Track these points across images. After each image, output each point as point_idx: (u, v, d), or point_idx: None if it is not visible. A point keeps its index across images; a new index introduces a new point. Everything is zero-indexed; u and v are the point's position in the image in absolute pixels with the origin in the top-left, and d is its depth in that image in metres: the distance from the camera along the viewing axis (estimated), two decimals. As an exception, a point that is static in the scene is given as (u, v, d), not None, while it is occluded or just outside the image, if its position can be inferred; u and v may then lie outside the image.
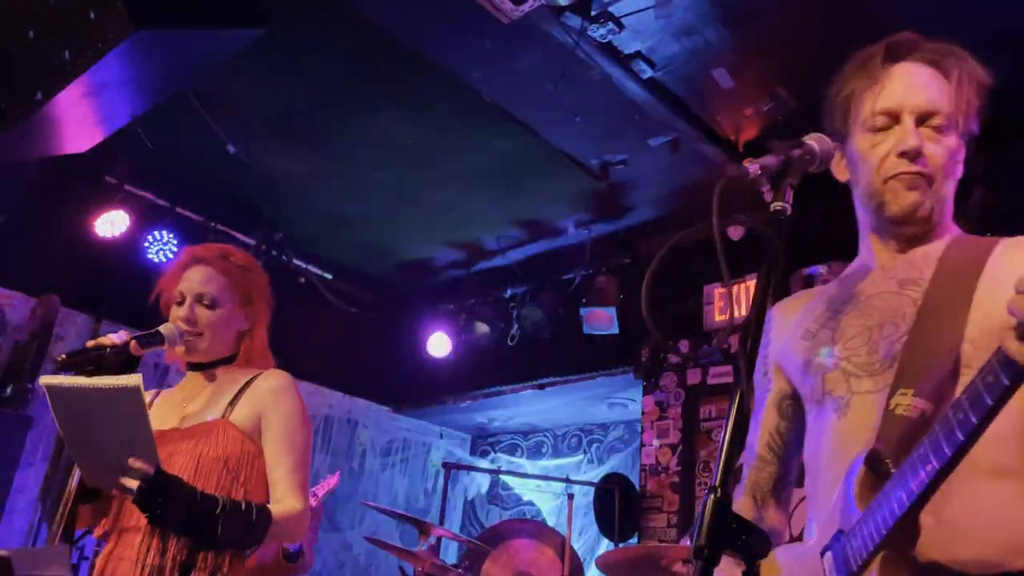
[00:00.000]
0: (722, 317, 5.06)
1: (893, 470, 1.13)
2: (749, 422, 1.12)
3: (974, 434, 1.00)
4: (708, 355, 4.84)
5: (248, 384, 2.01)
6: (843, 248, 5.07)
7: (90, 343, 1.82)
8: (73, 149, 3.98)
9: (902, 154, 1.34)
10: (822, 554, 1.24)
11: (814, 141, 1.34)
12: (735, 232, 4.39)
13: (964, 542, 1.16)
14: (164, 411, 2.02)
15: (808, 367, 1.41)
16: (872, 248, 1.45)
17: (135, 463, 1.70)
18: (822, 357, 1.39)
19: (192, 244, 2.26)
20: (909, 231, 1.39)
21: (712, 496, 1.06)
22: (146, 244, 5.14)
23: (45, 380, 1.69)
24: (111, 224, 4.98)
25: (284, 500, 1.88)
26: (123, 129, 3.95)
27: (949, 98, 1.37)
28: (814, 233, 4.69)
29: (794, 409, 1.50)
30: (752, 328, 1.19)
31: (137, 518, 1.81)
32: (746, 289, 4.99)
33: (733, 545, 1.06)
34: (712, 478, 1.08)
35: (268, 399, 1.97)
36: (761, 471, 1.51)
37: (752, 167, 1.29)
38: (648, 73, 3.98)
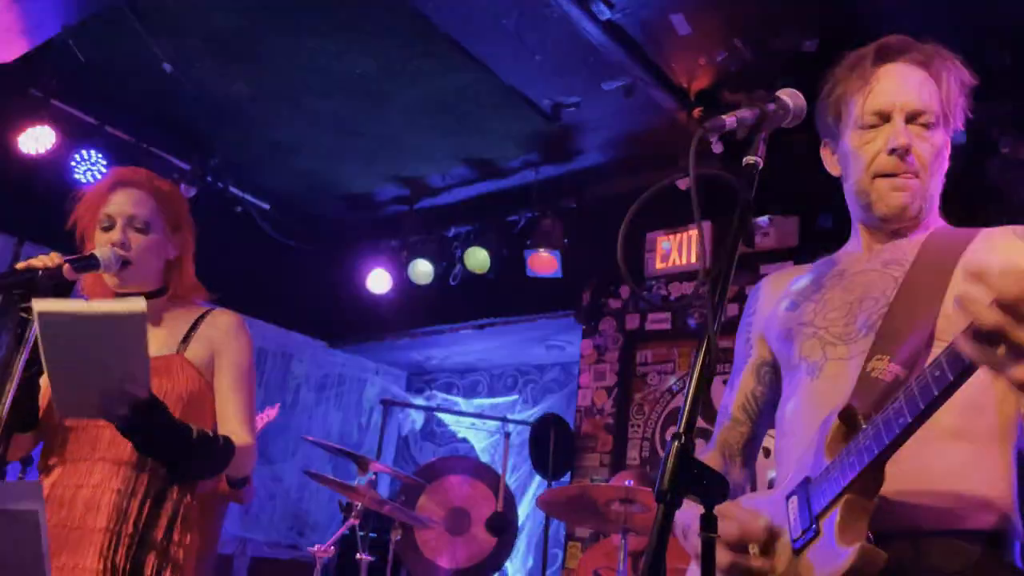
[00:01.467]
0: (663, 264, 5.13)
1: (865, 424, 1.19)
2: (713, 371, 1.14)
3: (947, 392, 1.06)
4: (652, 303, 4.91)
5: (199, 321, 1.98)
6: (785, 200, 5.16)
7: (20, 265, 1.71)
8: (-4, 58, 3.74)
9: (892, 151, 1.39)
10: (787, 499, 1.30)
11: (788, 96, 1.36)
12: (684, 182, 4.42)
13: (915, 495, 1.24)
14: None
15: (788, 335, 1.48)
16: (861, 236, 1.53)
17: (131, 387, 1.65)
18: (801, 327, 1.46)
19: (122, 164, 2.16)
20: (896, 226, 1.46)
21: (676, 443, 1.09)
22: (73, 163, 4.90)
23: (38, 306, 1.57)
24: (36, 140, 4.72)
25: (237, 434, 1.87)
26: (52, 40, 3.72)
27: (937, 98, 1.43)
28: (758, 186, 4.77)
29: (771, 377, 1.57)
30: (723, 277, 1.21)
31: (91, 449, 1.78)
32: (689, 238, 5.06)
33: (694, 490, 1.10)
34: (677, 425, 1.11)
35: (222, 337, 1.96)
36: (733, 430, 1.57)
37: (729, 120, 1.31)
38: (606, 15, 3.92)
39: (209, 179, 5.57)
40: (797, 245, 4.66)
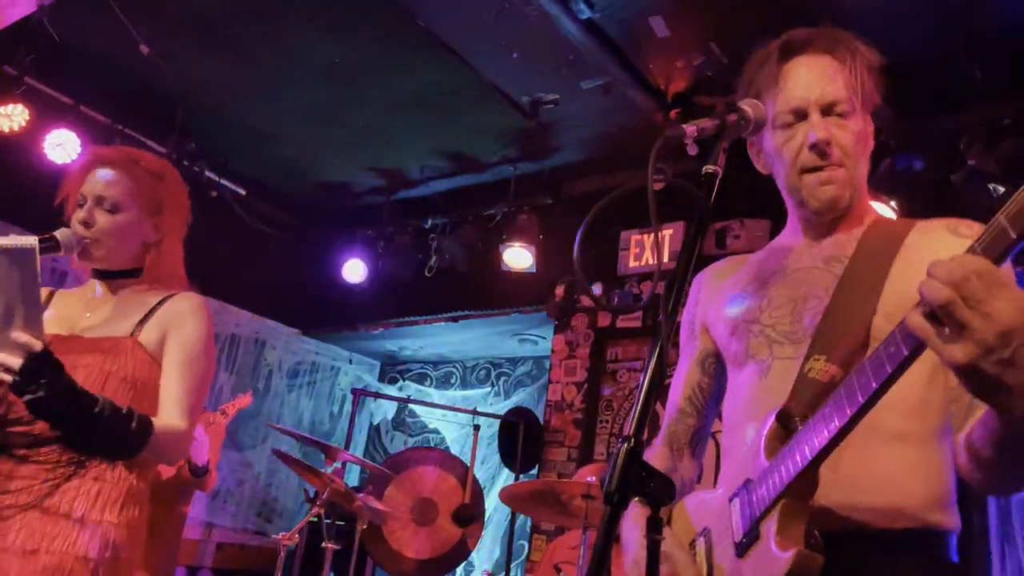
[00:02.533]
0: (636, 263, 5.18)
1: (800, 427, 1.21)
2: (668, 374, 1.17)
3: (873, 398, 1.08)
4: (624, 301, 4.96)
5: (159, 305, 1.92)
6: (755, 206, 5.23)
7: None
8: (-30, 34, 3.70)
9: (812, 146, 1.40)
10: (730, 500, 1.33)
11: (749, 107, 1.37)
12: (656, 184, 4.46)
13: (858, 495, 1.26)
14: (63, 314, 1.91)
15: (734, 332, 1.49)
16: (800, 227, 1.54)
17: (20, 337, 1.58)
18: (748, 324, 1.47)
19: (97, 146, 2.12)
20: (830, 217, 1.47)
21: (625, 445, 1.10)
22: (46, 143, 4.84)
23: None
24: (8, 118, 4.66)
25: (169, 417, 1.80)
26: (29, 18, 3.67)
27: (846, 83, 1.43)
28: (729, 189, 4.82)
29: (716, 368, 1.59)
30: (678, 282, 1.23)
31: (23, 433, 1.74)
32: (663, 237, 5.11)
33: (641, 492, 1.12)
34: (627, 427, 1.13)
35: (174, 320, 1.89)
36: (680, 423, 1.59)
37: (690, 128, 1.32)
38: (586, 14, 3.94)
39: (185, 163, 5.52)
40: (768, 248, 4.72)
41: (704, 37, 4.08)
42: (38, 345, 1.60)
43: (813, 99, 1.42)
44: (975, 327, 0.91)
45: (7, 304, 1.60)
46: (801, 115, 1.43)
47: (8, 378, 1.60)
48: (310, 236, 6.68)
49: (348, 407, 7.27)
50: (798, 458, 1.17)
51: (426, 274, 5.93)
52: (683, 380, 1.61)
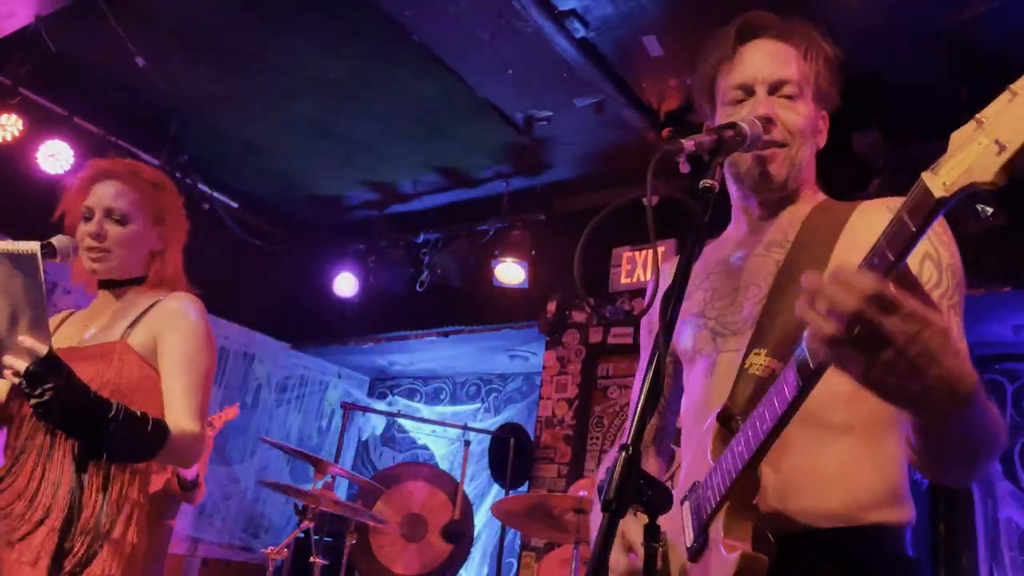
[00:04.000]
0: (628, 280, 5.20)
1: (740, 426, 1.21)
2: (662, 386, 1.18)
3: (802, 393, 1.07)
4: (616, 314, 4.97)
5: (151, 307, 1.93)
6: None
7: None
8: (-35, 44, 3.70)
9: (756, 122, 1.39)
10: (681, 503, 1.33)
11: (746, 124, 1.39)
12: (654, 198, 4.50)
13: (806, 493, 1.25)
14: (70, 330, 1.94)
15: (682, 327, 1.49)
16: (742, 215, 1.54)
17: (25, 341, 1.59)
18: (693, 318, 1.47)
19: (88, 158, 2.15)
20: (767, 196, 1.47)
21: (624, 454, 1.11)
22: (39, 153, 4.84)
23: None
24: (3, 128, 4.66)
25: (177, 420, 1.80)
26: (25, 29, 3.69)
27: (798, 68, 1.45)
28: (727, 204, 4.86)
29: (674, 366, 1.59)
30: (675, 297, 1.25)
31: (30, 440, 1.74)
32: (652, 255, 5.13)
33: (639, 500, 1.13)
34: (624, 436, 1.14)
35: (166, 320, 1.89)
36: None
37: (688, 143, 1.34)
38: (581, 32, 3.99)
39: (178, 175, 5.52)
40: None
41: (697, 55, 4.12)
42: (43, 349, 1.61)
43: (761, 77, 1.44)
44: (873, 350, 0.91)
45: (12, 308, 1.61)
46: (748, 91, 1.44)
47: (16, 380, 1.61)
48: (301, 249, 6.67)
49: (337, 422, 7.24)
50: (737, 460, 1.17)
51: (417, 289, 5.93)
52: (640, 381, 1.63)
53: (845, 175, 4.38)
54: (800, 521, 1.25)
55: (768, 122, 1.39)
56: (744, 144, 1.40)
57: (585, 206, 5.45)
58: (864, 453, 1.28)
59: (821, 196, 1.50)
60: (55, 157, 4.83)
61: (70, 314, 2.05)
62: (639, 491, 1.13)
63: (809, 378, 1.05)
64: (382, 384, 7.79)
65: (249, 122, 5.30)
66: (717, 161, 1.37)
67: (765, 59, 1.45)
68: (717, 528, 1.22)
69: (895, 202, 1.32)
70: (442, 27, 4.09)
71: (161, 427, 1.76)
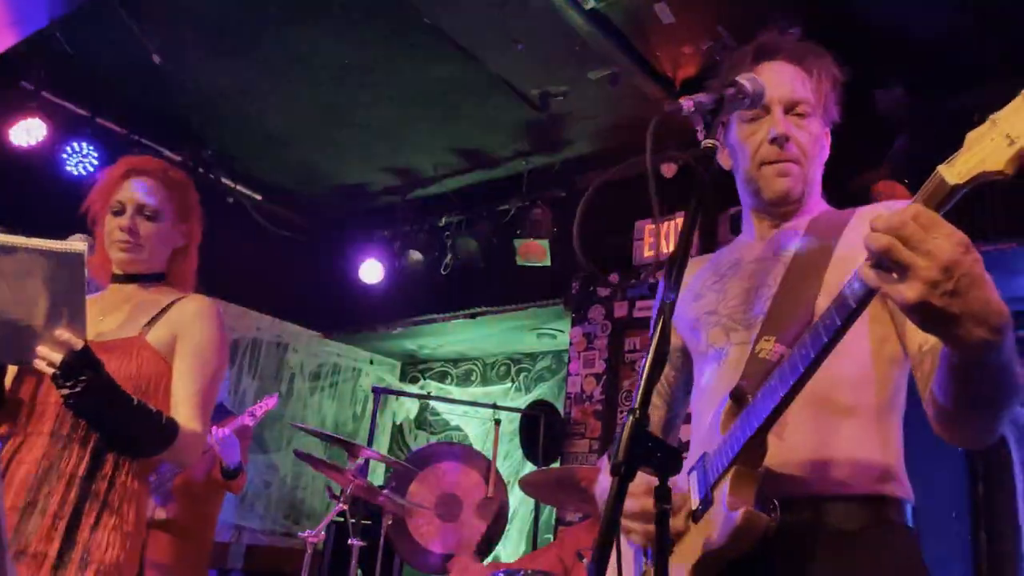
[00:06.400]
0: (651, 252, 5.17)
1: (752, 400, 1.30)
2: (667, 352, 1.20)
3: (813, 365, 1.17)
4: (635, 287, 4.95)
5: (170, 306, 1.98)
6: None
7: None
8: (-15, 51, 3.77)
9: (773, 140, 1.50)
10: (688, 474, 1.42)
11: (746, 80, 1.38)
12: (668, 169, 4.46)
13: (812, 465, 1.34)
14: None
15: (695, 325, 1.59)
16: (753, 224, 1.64)
17: (63, 334, 1.65)
18: (707, 316, 1.57)
19: (114, 157, 2.19)
20: (783, 210, 1.57)
21: (631, 417, 1.13)
22: (64, 155, 4.93)
23: None
24: (27, 132, 4.75)
25: (183, 419, 1.85)
26: (42, 32, 3.74)
27: (811, 90, 1.55)
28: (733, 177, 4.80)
29: (682, 361, 1.69)
30: (679, 262, 1.24)
31: (46, 423, 1.79)
32: (676, 226, 5.10)
33: (648, 462, 1.14)
34: (632, 401, 1.15)
35: (186, 321, 1.95)
36: (652, 413, 1.64)
37: (687, 103, 1.33)
38: (591, 3, 3.94)
39: (201, 170, 5.60)
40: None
41: (710, 21, 4.07)
42: (79, 343, 1.67)
43: (778, 97, 1.52)
44: (918, 266, 0.97)
45: (54, 303, 1.67)
46: (765, 110, 1.53)
47: (50, 371, 1.66)
48: (327, 238, 6.73)
49: (371, 407, 7.32)
50: (747, 428, 1.26)
51: (442, 272, 5.95)
52: None
53: (867, 135, 4.31)
54: (805, 489, 1.33)
55: (785, 140, 1.50)
56: (746, 102, 1.39)
57: (607, 180, 5.41)
58: (869, 434, 1.36)
59: (824, 206, 1.61)
60: (80, 158, 4.91)
61: None
62: (648, 453, 1.14)
63: (848, 317, 1.10)
64: (413, 368, 7.85)
65: (268, 114, 5.33)
66: (719, 120, 1.36)
67: (782, 80, 1.54)
68: (722, 489, 1.29)
69: (893, 203, 1.40)
70: (452, 7, 4.07)
71: (172, 424, 1.82)
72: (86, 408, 1.72)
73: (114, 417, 1.74)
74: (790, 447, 1.33)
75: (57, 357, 1.65)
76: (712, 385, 1.50)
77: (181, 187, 2.07)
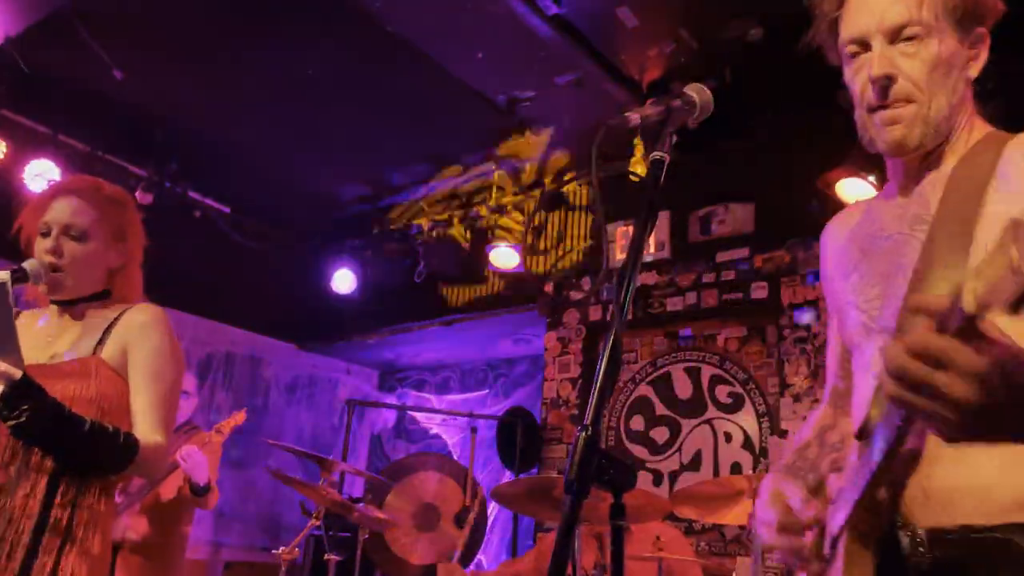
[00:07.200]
0: (623, 255, 5.17)
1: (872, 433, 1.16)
2: (619, 366, 1.17)
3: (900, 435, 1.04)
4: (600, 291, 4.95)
5: (117, 319, 1.93)
6: (740, 190, 5.19)
7: None
8: (-62, 71, 3.70)
9: (873, 82, 1.26)
10: (833, 504, 1.29)
11: (694, 92, 1.36)
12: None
13: (967, 496, 1.16)
14: (28, 343, 1.91)
15: (841, 313, 1.42)
16: (892, 175, 1.39)
17: (3, 365, 1.63)
18: (848, 306, 1.39)
19: (77, 174, 2.15)
20: (909, 160, 1.33)
21: (583, 434, 1.11)
22: (26, 173, 4.84)
23: None
24: (-13, 152, 4.67)
25: (145, 432, 1.82)
26: (-3, 50, 3.67)
27: (919, 3, 1.25)
28: (712, 175, 4.82)
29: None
30: (628, 273, 1.23)
31: (8, 455, 1.75)
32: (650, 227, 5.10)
33: (600, 479, 1.13)
34: (585, 417, 1.13)
35: (134, 332, 1.90)
36: (839, 385, 1.52)
37: (633, 116, 1.32)
38: (553, 9, 3.94)
39: (167, 184, 5.53)
40: (753, 231, 4.72)
41: (673, 24, 4.08)
42: (17, 373, 1.64)
43: (874, 27, 1.26)
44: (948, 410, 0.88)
45: None
46: (865, 44, 1.28)
47: None
48: (298, 249, 6.68)
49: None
50: (866, 471, 1.13)
51: (415, 280, 5.93)
52: (833, 346, 1.54)
53: (832, 133, 4.33)
54: (963, 522, 1.14)
55: (887, 81, 1.24)
56: (694, 113, 1.37)
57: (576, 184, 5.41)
58: (1021, 457, 1.14)
59: (976, 135, 1.30)
60: (42, 176, 4.83)
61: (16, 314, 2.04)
62: (600, 470, 1.13)
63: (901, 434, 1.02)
64: (391, 377, 7.81)
65: (233, 126, 5.28)
66: (667, 132, 1.35)
67: (875, 4, 1.27)
68: (841, 544, 1.19)
69: None
70: (414, 16, 4.05)
71: (131, 440, 1.79)
72: (34, 436, 1.69)
73: (66, 441, 1.72)
74: (939, 486, 1.15)
75: None
76: (856, 396, 1.35)
77: (115, 204, 2.00)
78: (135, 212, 2.07)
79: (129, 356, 1.89)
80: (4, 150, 4.68)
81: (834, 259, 1.46)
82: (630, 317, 5.12)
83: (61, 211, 1.93)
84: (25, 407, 1.63)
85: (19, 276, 1.84)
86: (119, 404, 1.85)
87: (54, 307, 2.00)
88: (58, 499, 1.76)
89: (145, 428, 1.83)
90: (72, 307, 1.98)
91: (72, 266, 1.92)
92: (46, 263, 1.90)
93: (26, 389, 1.65)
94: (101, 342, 1.90)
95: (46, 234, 1.92)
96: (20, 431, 1.66)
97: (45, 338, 1.94)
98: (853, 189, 4.14)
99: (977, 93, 1.35)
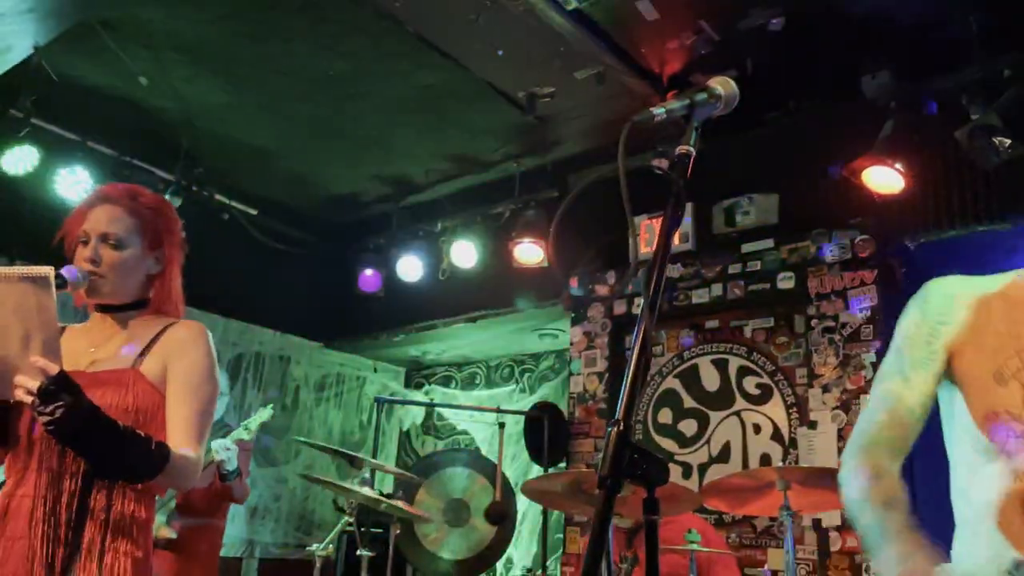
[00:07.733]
0: (647, 249, 5.15)
1: None
2: (650, 360, 1.17)
3: None
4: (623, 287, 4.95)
5: (161, 334, 1.96)
6: (763, 180, 5.15)
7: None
8: (-29, 82, 3.78)
9: None
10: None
11: (719, 84, 1.36)
12: (661, 163, 4.45)
13: None
14: (70, 349, 1.93)
15: (991, 417, 1.39)
16: None
17: (38, 361, 1.63)
18: (1008, 415, 1.37)
19: (107, 180, 2.17)
20: None
21: (615, 429, 1.11)
22: (57, 181, 4.93)
23: None
24: (19, 160, 4.76)
25: (179, 444, 1.84)
26: (28, 60, 3.75)
27: None
28: (735, 165, 4.80)
29: (941, 390, 1.52)
30: (657, 267, 1.23)
31: (34, 458, 1.78)
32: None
33: (633, 475, 1.13)
34: (616, 411, 1.13)
35: (176, 348, 1.92)
36: (908, 417, 1.50)
37: (658, 112, 1.33)
38: (573, 4, 3.94)
39: (194, 188, 5.60)
40: (777, 223, 4.70)
41: (693, 16, 4.07)
42: (55, 368, 1.65)
43: None
44: None
45: (26, 330, 1.65)
46: None
47: (29, 399, 1.64)
48: (324, 249, 6.74)
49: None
50: None
51: (440, 277, 5.96)
52: (915, 385, 1.51)
53: (856, 123, 4.30)
54: None
55: None
56: (719, 107, 1.38)
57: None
58: None
59: None
60: (73, 183, 4.92)
61: (63, 328, 2.07)
62: (633, 465, 1.13)
63: None
64: (418, 374, 7.86)
65: (258, 128, 5.35)
66: (692, 127, 1.36)
67: None
68: None
69: None
70: (434, 14, 4.07)
71: (164, 449, 1.80)
72: (67, 434, 1.68)
73: (99, 442, 1.71)
74: None
75: (34, 384, 1.63)
76: (1001, 505, 1.31)
77: (152, 212, 2.01)
78: (174, 219, 2.08)
79: (169, 371, 1.91)
80: (36, 159, 4.76)
81: (983, 335, 1.44)
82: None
83: (98, 219, 1.96)
84: (60, 404, 1.63)
85: (59, 283, 1.88)
86: (154, 416, 1.87)
87: (97, 315, 2.04)
88: (97, 504, 1.78)
89: (178, 439, 1.84)
90: (116, 315, 2.01)
91: (110, 273, 1.94)
92: (84, 271, 1.93)
93: (63, 384, 1.65)
94: (143, 355, 1.92)
95: (85, 242, 1.95)
96: (54, 428, 1.65)
97: (87, 346, 1.98)
98: (879, 177, 4.10)
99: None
